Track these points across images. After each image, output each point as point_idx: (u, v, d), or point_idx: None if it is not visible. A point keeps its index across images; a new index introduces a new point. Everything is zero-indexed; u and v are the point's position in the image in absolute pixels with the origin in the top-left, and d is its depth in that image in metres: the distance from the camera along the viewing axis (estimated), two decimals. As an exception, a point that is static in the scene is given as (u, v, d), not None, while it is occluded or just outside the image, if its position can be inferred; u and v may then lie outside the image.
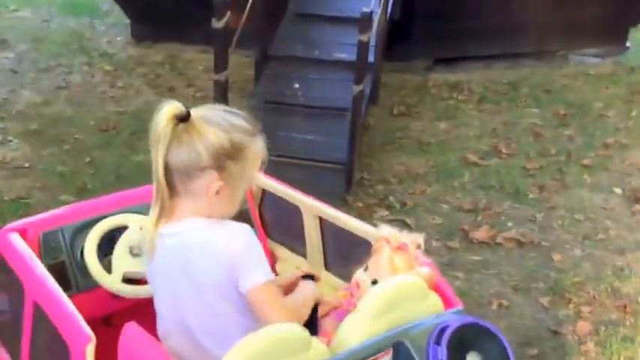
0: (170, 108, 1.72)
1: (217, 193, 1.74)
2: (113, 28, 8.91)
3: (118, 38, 8.48)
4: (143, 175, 5.10)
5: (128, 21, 8.49)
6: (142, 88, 6.92)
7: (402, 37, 7.15)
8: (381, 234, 2.08)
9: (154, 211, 1.77)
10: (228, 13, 4.54)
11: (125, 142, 5.65)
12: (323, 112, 5.17)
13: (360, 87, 4.54)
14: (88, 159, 5.42)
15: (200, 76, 7.21)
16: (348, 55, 5.46)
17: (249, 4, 5.13)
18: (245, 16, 5.04)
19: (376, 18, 5.07)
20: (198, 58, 7.66)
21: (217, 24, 4.46)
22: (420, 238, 2.08)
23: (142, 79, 7.16)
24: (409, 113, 6.46)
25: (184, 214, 1.77)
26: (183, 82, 7.07)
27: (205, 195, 1.74)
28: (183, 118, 1.72)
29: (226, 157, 1.72)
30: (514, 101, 6.86)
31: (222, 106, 1.86)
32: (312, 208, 2.50)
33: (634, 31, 8.20)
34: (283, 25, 5.82)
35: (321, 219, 2.47)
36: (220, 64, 4.60)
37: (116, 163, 5.31)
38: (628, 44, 8.19)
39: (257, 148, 1.81)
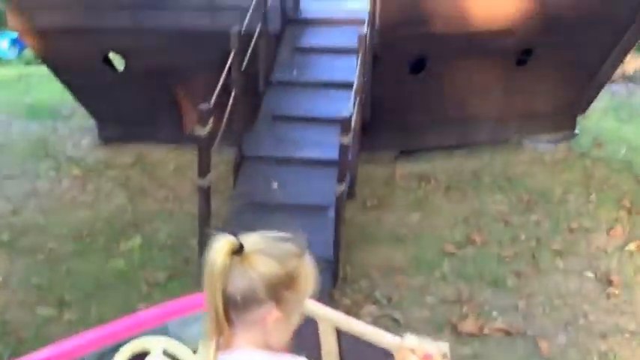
0: (225, 243, 1.73)
1: (274, 322, 1.74)
2: (77, 131, 8.95)
3: (84, 141, 8.51)
4: (125, 282, 5.11)
5: (92, 123, 8.56)
6: (113, 191, 6.92)
7: (368, 130, 7.41)
8: (406, 344, 2.10)
9: (210, 347, 1.76)
10: (211, 119, 4.67)
11: (102, 248, 5.61)
12: (304, 210, 5.27)
13: (343, 186, 4.68)
14: (64, 268, 5.34)
15: (171, 176, 7.27)
16: (324, 153, 5.64)
17: (228, 108, 5.29)
18: (225, 119, 5.18)
19: (352, 119, 5.27)
20: (168, 157, 7.75)
21: (201, 131, 4.57)
22: (445, 347, 2.11)
23: (113, 181, 7.17)
24: (381, 205, 6.63)
25: (239, 344, 1.77)
26: (154, 183, 7.10)
27: (262, 325, 1.73)
28: (237, 251, 1.75)
29: (283, 288, 1.71)
30: (479, 189, 7.12)
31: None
32: (329, 320, 2.51)
33: (581, 119, 8.69)
34: (258, 126, 5.99)
35: (338, 330, 2.47)
36: (204, 169, 4.69)
37: (95, 271, 5.25)
38: (577, 131, 8.65)
39: (308, 269, 1.84)
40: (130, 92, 7.88)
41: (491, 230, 6.05)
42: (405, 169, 7.64)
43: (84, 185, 7.06)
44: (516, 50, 7.64)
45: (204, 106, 4.61)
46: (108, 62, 8.06)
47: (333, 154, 5.29)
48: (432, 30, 7.03)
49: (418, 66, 7.46)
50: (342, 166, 4.67)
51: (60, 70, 8.02)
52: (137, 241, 5.63)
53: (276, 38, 6.79)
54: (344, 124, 4.59)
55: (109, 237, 5.81)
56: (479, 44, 7.23)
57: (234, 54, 5.39)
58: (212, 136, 4.75)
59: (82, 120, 8.88)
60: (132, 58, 7.76)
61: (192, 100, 7.75)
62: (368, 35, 6.02)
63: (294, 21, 7.14)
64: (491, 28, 7.17)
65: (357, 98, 5.43)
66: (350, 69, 6.36)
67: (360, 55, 5.50)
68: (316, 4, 7.89)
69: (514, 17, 7.19)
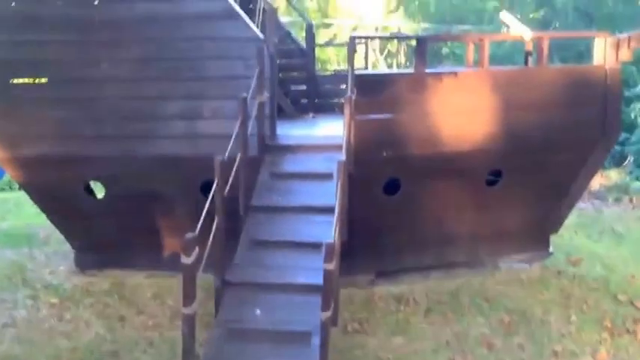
0: None
1: None
2: (54, 257, 8.88)
3: (61, 267, 8.43)
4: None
5: (69, 248, 8.52)
6: (92, 319, 6.81)
7: (344, 252, 7.45)
8: None
9: None
10: (197, 248, 4.69)
11: (80, 381, 5.45)
12: (288, 338, 5.21)
13: (329, 313, 4.67)
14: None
15: (149, 302, 7.20)
16: (306, 278, 5.66)
17: (212, 235, 5.33)
18: (209, 246, 5.21)
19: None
20: (145, 283, 7.69)
21: (186, 260, 4.58)
22: None
23: (91, 309, 7.06)
24: (363, 330, 6.59)
25: None
26: (133, 311, 7.01)
27: None
28: None
29: None
30: (458, 311, 7.13)
31: None
32: None
33: (554, 238, 8.87)
34: (239, 252, 6.01)
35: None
36: (189, 297, 4.66)
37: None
38: (551, 249, 8.80)
39: None
40: (108, 219, 7.92)
41: (475, 354, 6.04)
42: (384, 291, 7.66)
43: (62, 314, 6.94)
44: (486, 171, 7.88)
45: (189, 235, 4.64)
46: (88, 189, 8.13)
47: (315, 279, 5.31)
48: (405, 152, 7.30)
49: (393, 187, 7.65)
50: (327, 293, 4.68)
51: (40, 198, 8.07)
52: (116, 373, 5.47)
53: (254, 164, 6.95)
54: (328, 250, 4.65)
55: (88, 369, 5.64)
56: (450, 165, 7.50)
57: (218, 182, 5.50)
58: (196, 263, 4.75)
59: (59, 245, 8.85)
60: (113, 186, 7.85)
61: (172, 225, 7.82)
62: (345, 159, 6.20)
63: (272, 147, 7.35)
64: (461, 149, 7.46)
65: (338, 223, 5.52)
66: (328, 193, 6.52)
67: (339, 180, 5.64)
68: (292, 130, 8.17)
69: (482, 140, 7.51)
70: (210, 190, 5.64)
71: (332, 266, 4.65)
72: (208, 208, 5.34)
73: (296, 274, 5.72)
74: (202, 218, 5.03)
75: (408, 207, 7.71)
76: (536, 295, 7.59)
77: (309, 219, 6.32)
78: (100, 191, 8.26)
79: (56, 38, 7.43)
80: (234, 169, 6.04)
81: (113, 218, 7.89)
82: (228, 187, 5.80)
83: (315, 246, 5.83)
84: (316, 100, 10.36)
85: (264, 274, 5.78)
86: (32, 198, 8.14)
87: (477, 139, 7.52)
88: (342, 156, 6.05)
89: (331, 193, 6.36)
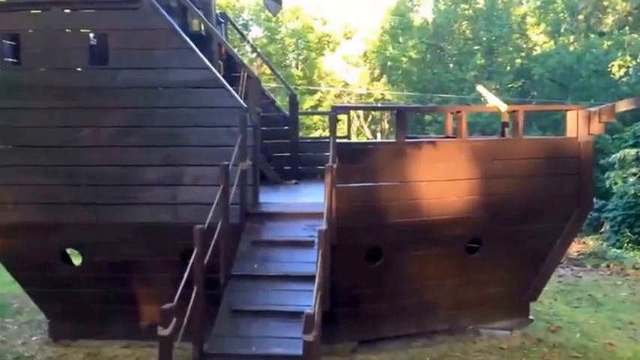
0: None
1: None
2: (27, 327, 8.69)
3: (34, 338, 8.23)
4: None
5: (44, 317, 8.33)
6: (65, 393, 6.60)
7: (324, 320, 7.38)
8: None
9: None
10: (174, 319, 4.62)
11: None
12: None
13: (308, 386, 4.60)
14: None
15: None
16: (286, 349, 5.58)
17: (190, 305, 5.26)
18: (187, 316, 5.13)
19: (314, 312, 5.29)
20: (121, 354, 7.53)
21: (164, 331, 4.51)
22: None
23: (63, 383, 6.86)
24: (345, 401, 6.46)
25: None
26: (108, 385, 6.81)
27: None
28: None
29: None
30: (442, 380, 7.03)
31: None
32: None
33: (533, 305, 8.87)
34: (218, 321, 5.93)
35: None
36: (166, 370, 4.56)
37: None
38: (531, 317, 8.78)
39: None
40: (84, 287, 7.81)
41: None
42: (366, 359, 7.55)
43: (33, 390, 6.72)
44: (465, 239, 7.94)
45: (167, 307, 4.59)
46: (65, 257, 8.02)
47: (296, 349, 5.25)
48: (386, 220, 7.35)
49: (374, 255, 7.65)
50: (308, 366, 4.62)
51: (14, 266, 7.93)
52: None
53: (235, 231, 6.94)
54: (307, 321, 4.61)
55: None
56: (430, 233, 7.55)
57: (197, 251, 5.47)
58: (174, 335, 4.68)
59: (33, 315, 8.67)
60: (90, 253, 7.76)
61: (150, 294, 7.71)
62: (326, 229, 6.21)
63: (253, 215, 7.35)
64: (441, 218, 7.53)
65: (319, 292, 5.48)
66: (309, 261, 6.52)
67: (320, 249, 5.63)
68: (273, 197, 8.20)
69: (461, 208, 7.61)
70: (190, 257, 5.61)
71: (311, 337, 4.60)
72: (188, 277, 5.29)
73: (275, 345, 5.64)
74: (181, 287, 4.97)
75: (389, 275, 7.70)
76: (517, 365, 7.53)
77: (289, 287, 6.29)
78: (77, 259, 8.14)
79: (37, 105, 7.47)
80: (214, 237, 6.02)
81: (89, 286, 7.77)
82: (208, 256, 5.77)
83: (296, 315, 5.78)
84: (299, 167, 10.47)
85: (243, 345, 5.69)
86: (6, 266, 8.00)
87: (456, 207, 7.61)
88: (323, 224, 6.05)
89: (312, 261, 6.36)
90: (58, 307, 8.08)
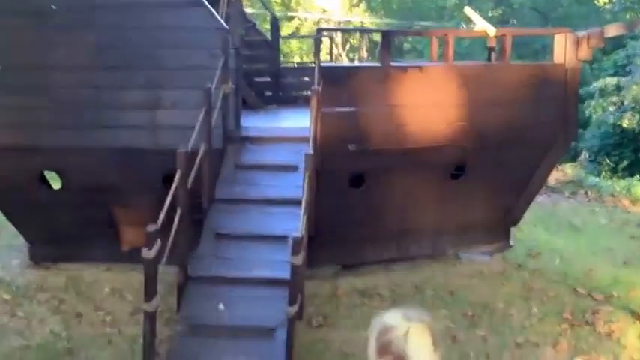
0: None
1: None
2: (6, 251, 8.58)
3: (14, 262, 8.14)
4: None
5: (23, 241, 8.24)
6: (46, 316, 6.57)
7: (308, 245, 7.40)
8: None
9: None
10: (159, 241, 4.55)
11: (34, 380, 5.24)
12: (252, 333, 5.11)
13: (295, 307, 4.59)
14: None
15: (108, 298, 6.98)
16: (270, 272, 5.57)
17: (174, 228, 5.19)
18: (171, 239, 5.07)
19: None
20: (103, 278, 7.48)
21: (148, 253, 4.44)
22: None
23: (45, 305, 6.82)
24: (327, 323, 6.52)
25: None
26: (90, 307, 6.79)
27: None
28: None
29: None
30: (423, 304, 7.09)
31: None
32: None
33: (514, 231, 8.96)
34: (202, 245, 5.89)
35: None
36: (151, 292, 4.52)
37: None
38: (512, 242, 8.88)
39: None
40: (64, 211, 7.67)
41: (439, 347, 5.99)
42: (348, 284, 7.60)
43: (14, 310, 6.68)
44: (450, 165, 7.93)
45: (151, 228, 4.51)
46: (43, 180, 7.87)
47: (279, 272, 5.24)
48: (370, 146, 7.27)
49: (358, 181, 7.62)
50: (294, 287, 4.60)
51: (-9, 188, 7.76)
52: (72, 371, 5.28)
53: (218, 156, 6.82)
54: (295, 244, 4.57)
55: (41, 367, 5.44)
56: (414, 159, 7.50)
57: (180, 174, 5.35)
58: (159, 257, 4.62)
59: (12, 239, 8.54)
60: (69, 177, 7.61)
61: (131, 218, 7.62)
62: (312, 152, 6.13)
63: (235, 139, 7.22)
64: (425, 144, 7.46)
65: (305, 217, 5.44)
66: (292, 185, 6.46)
67: (306, 174, 5.55)
68: (255, 121, 8.05)
69: (446, 135, 7.53)
70: (172, 182, 5.50)
71: (299, 260, 4.57)
72: (170, 201, 5.20)
73: (260, 268, 5.62)
74: (164, 211, 4.88)
75: (372, 200, 7.69)
76: (497, 288, 7.64)
77: (272, 211, 6.23)
78: (56, 182, 7.99)
79: (11, 23, 7.15)
80: (197, 161, 5.90)
81: (69, 210, 7.64)
82: (191, 180, 5.66)
83: (279, 239, 5.76)
84: (280, 93, 10.28)
85: (227, 268, 5.66)
86: (-16, 189, 7.83)
87: (441, 133, 7.53)
88: (309, 149, 5.95)
89: (295, 185, 6.30)
90: (37, 231, 7.98)
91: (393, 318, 2.18)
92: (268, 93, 10.26)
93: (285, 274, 5.19)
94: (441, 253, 8.55)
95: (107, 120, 7.26)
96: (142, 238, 5.41)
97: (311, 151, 5.83)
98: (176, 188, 5.26)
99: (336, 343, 6.09)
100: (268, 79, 10.31)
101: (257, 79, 10.22)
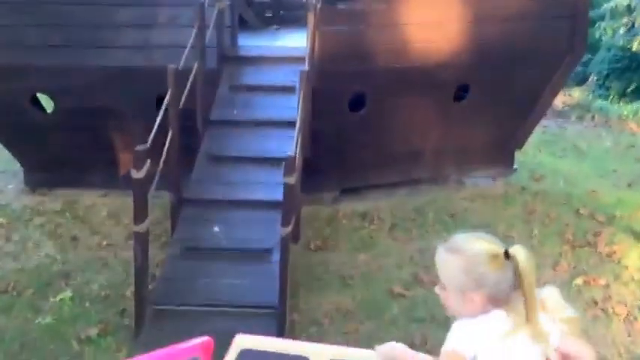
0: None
1: None
2: (2, 176, 8.48)
3: (9, 187, 8.06)
4: (54, 339, 4.69)
5: (18, 167, 8.12)
6: (42, 239, 6.50)
7: (307, 169, 7.26)
8: None
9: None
10: (148, 161, 4.41)
11: (28, 303, 5.18)
12: (247, 255, 5.03)
13: (288, 229, 4.48)
14: (-14, 326, 4.91)
15: (104, 222, 6.90)
16: (267, 194, 5.44)
17: (165, 149, 5.03)
18: (162, 161, 4.92)
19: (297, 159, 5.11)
20: (99, 202, 7.39)
21: (137, 174, 4.30)
22: None
23: (41, 230, 6.75)
24: (326, 247, 6.45)
25: None
26: (86, 231, 6.71)
27: None
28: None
29: None
30: (423, 227, 7.03)
31: None
32: (323, 353, 2.37)
33: (518, 155, 8.79)
34: (197, 168, 5.74)
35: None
36: (141, 214, 4.40)
37: (20, 328, 4.82)
38: (515, 166, 8.72)
39: None
40: (58, 135, 7.51)
41: (439, 269, 5.92)
42: (348, 208, 7.50)
43: (9, 234, 6.61)
44: (453, 85, 7.69)
45: (140, 148, 4.36)
46: (36, 103, 7.68)
47: (276, 195, 5.10)
48: (370, 65, 7.02)
49: (358, 102, 7.41)
50: (288, 208, 4.47)
51: (-18, 112, 7.58)
52: (67, 293, 5.24)
53: (213, 76, 6.59)
54: (288, 163, 4.41)
55: (37, 290, 5.40)
56: (417, 79, 7.24)
57: (171, 93, 5.15)
58: (149, 179, 4.48)
59: (8, 164, 8.43)
60: (61, 99, 7.42)
61: (127, 142, 7.45)
62: (308, 71, 5.91)
63: (231, 58, 6.97)
64: (427, 62, 7.20)
65: (300, 136, 5.27)
66: (290, 107, 6.24)
67: (301, 92, 5.35)
68: (253, 41, 7.76)
69: (450, 53, 7.26)
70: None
71: (292, 180, 4.43)
72: (162, 122, 5.02)
73: (255, 190, 5.49)
74: (154, 131, 4.72)
75: (373, 123, 7.49)
76: (499, 211, 7.53)
77: (269, 133, 6.05)
78: (49, 105, 7.80)
79: None
80: (189, 81, 5.68)
81: (64, 134, 7.47)
82: (183, 100, 5.47)
83: (276, 161, 5.60)
84: (281, 12, 9.89)
85: (222, 191, 5.53)
86: (-25, 112, 7.65)
87: (443, 52, 7.26)
88: (305, 66, 5.71)
89: (293, 107, 6.10)
90: (32, 156, 7.85)
91: (481, 243, 2.11)
92: (269, 13, 9.89)
93: (281, 196, 5.07)
94: (444, 176, 8.41)
95: (99, 39, 7.00)
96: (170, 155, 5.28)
97: (307, 68, 5.58)
98: (167, 107, 5.07)
99: (334, 265, 6.02)
100: (269, -1, 9.94)
101: (256, -1, 9.85)
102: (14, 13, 6.93)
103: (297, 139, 5.12)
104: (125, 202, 7.19)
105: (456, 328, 2.05)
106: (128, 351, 4.43)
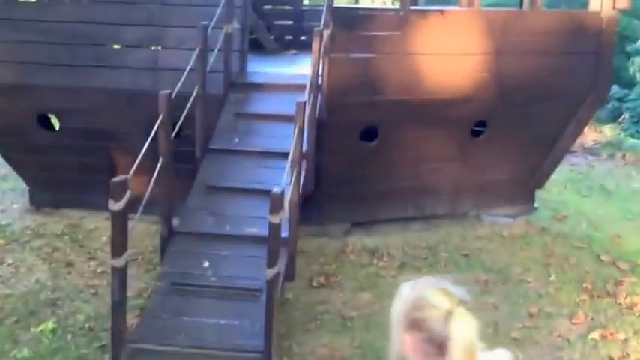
0: None
1: None
2: (10, 194, 8.39)
3: (15, 206, 7.94)
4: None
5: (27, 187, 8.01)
6: (36, 264, 6.32)
7: (316, 201, 7.00)
8: None
9: None
10: (128, 193, 4.18)
11: (7, 333, 4.95)
12: (236, 293, 4.75)
13: (275, 270, 4.19)
14: (-41, 357, 4.70)
15: (103, 247, 6.69)
16: (261, 229, 5.14)
17: (153, 179, 4.81)
18: (149, 190, 4.70)
19: (288, 194, 4.84)
20: (102, 226, 7.18)
21: (115, 206, 4.08)
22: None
23: (37, 252, 6.58)
24: (329, 284, 6.14)
25: None
26: (83, 256, 6.52)
27: None
28: None
29: None
30: (434, 266, 6.68)
31: None
32: None
33: (541, 193, 8.40)
34: (191, 197, 5.49)
35: None
36: (119, 248, 4.17)
37: (-6, 361, 4.60)
38: (536, 205, 8.34)
39: None
40: (63, 155, 7.39)
41: (444, 314, 5.56)
42: (358, 242, 7.21)
43: (4, 257, 6.46)
44: (470, 121, 7.39)
45: (118, 179, 4.14)
46: (43, 123, 7.56)
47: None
48: (383, 97, 6.75)
49: (370, 134, 7.14)
50: (273, 248, 4.18)
51: (-10, 129, 7.49)
52: (49, 325, 5.00)
53: (218, 102, 6.38)
54: (274, 201, 4.13)
55: (21, 318, 5.19)
56: (432, 113, 6.97)
57: (162, 120, 4.94)
58: (128, 209, 4.26)
59: (17, 182, 8.32)
60: (67, 119, 7.30)
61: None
62: (311, 101, 5.66)
63: (239, 85, 6.75)
64: (444, 96, 6.93)
65: (294, 170, 5.00)
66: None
67: (297, 123, 5.09)
68: (267, 65, 7.54)
69: (468, 87, 6.98)
70: (174, 128, 5.12)
71: (277, 219, 4.14)
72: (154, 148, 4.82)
73: (250, 224, 5.21)
74: (139, 159, 4.51)
75: (385, 156, 7.23)
76: (516, 252, 7.15)
77: (270, 165, 5.78)
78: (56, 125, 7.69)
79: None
80: (187, 106, 5.47)
81: (69, 154, 7.35)
82: (178, 126, 5.26)
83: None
84: (302, 37, 9.70)
85: (214, 223, 5.27)
86: (-18, 129, 7.56)
87: (462, 85, 6.99)
88: (305, 95, 5.46)
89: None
90: (37, 175, 7.73)
91: (431, 292, 1.90)
92: (289, 37, 9.70)
93: (284, 232, 4.83)
94: (461, 214, 8.08)
95: (106, 59, 6.87)
96: (140, 186, 5.12)
97: (306, 99, 5.32)
98: (157, 134, 4.86)
99: (336, 304, 5.71)
100: (290, 22, 9.76)
101: (277, 23, 9.68)
102: (20, 31, 6.85)
103: (292, 174, 4.85)
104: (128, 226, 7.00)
105: None
106: (100, 394, 4.17)
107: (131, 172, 4.36)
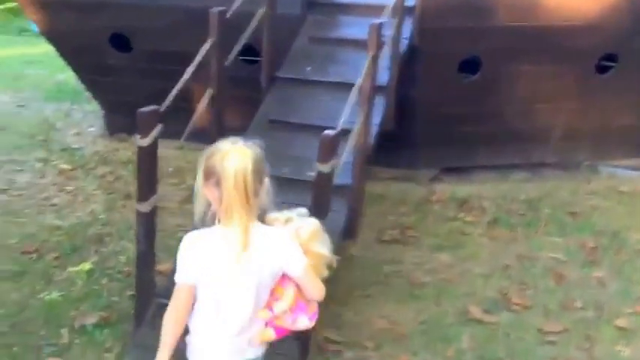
0: None
1: None
2: (90, 116, 8.16)
3: (91, 129, 7.66)
4: (45, 324, 3.96)
5: (106, 109, 7.71)
6: (95, 193, 5.96)
7: (404, 142, 6.21)
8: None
9: None
10: (158, 126, 3.56)
11: (43, 271, 4.55)
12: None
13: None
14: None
15: (168, 179, 6.22)
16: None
17: (197, 110, 4.19)
18: (191, 122, 4.10)
19: (354, 133, 4.09)
20: (171, 155, 6.61)
21: (142, 141, 3.48)
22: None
23: (99, 181, 6.23)
24: (404, 239, 5.36)
25: None
26: (144, 187, 6.07)
27: None
28: None
29: None
30: (532, 226, 5.73)
31: None
32: None
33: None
34: (249, 132, 4.75)
35: None
36: (146, 190, 3.61)
37: (20, 303, 4.17)
38: (667, 157, 7.12)
39: None
40: (137, 78, 6.94)
41: (538, 288, 4.68)
42: (446, 191, 6.36)
43: (65, 183, 6.14)
44: (597, 54, 6.29)
45: (146, 110, 3.53)
46: (116, 43, 7.12)
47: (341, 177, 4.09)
48: (490, 22, 5.86)
49: (471, 66, 6.20)
50: (319, 201, 3.44)
51: (62, 48, 7.18)
52: (87, 265, 4.58)
53: (293, 24, 5.61)
54: (324, 146, 3.37)
55: (61, 255, 4.79)
56: (551, 43, 6.02)
57: (213, 43, 4.25)
58: (156, 145, 3.66)
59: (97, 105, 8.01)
60: (139, 40, 6.81)
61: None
62: (396, 25, 4.80)
63: (320, 5, 5.94)
64: (566, 22, 5.93)
65: (365, 106, 4.21)
66: (380, 67, 5.13)
67: (370, 50, 4.25)
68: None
69: (596, 12, 5.92)
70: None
71: (327, 167, 3.39)
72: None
73: (311, 168, 4.47)
74: (176, 90, 3.88)
75: (488, 92, 6.31)
76: (637, 214, 6.05)
77: (345, 98, 4.96)
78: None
79: None
80: (250, 28, 4.75)
81: (142, 77, 6.90)
82: (237, 51, 4.57)
83: (346, 133, 4.56)
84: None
85: (272, 164, 4.55)
86: (55, 47, 7.25)
87: (589, 10, 5.93)
88: (382, 18, 4.58)
89: (384, 68, 5.01)
90: (111, 98, 7.39)
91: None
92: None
93: (346, 179, 4.12)
94: (574, 163, 7.03)
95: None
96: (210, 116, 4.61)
97: (380, 20, 4.43)
98: (207, 55, 4.19)
99: (407, 266, 4.93)
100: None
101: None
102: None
103: (362, 110, 4.07)
104: (196, 157, 6.49)
105: None
106: (120, 350, 3.69)
107: (166, 102, 3.73)
